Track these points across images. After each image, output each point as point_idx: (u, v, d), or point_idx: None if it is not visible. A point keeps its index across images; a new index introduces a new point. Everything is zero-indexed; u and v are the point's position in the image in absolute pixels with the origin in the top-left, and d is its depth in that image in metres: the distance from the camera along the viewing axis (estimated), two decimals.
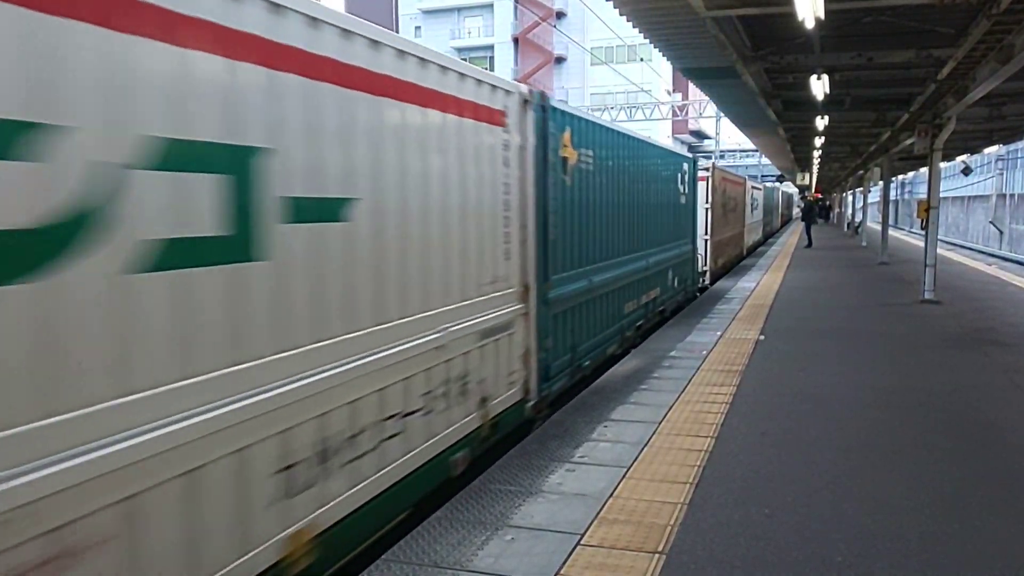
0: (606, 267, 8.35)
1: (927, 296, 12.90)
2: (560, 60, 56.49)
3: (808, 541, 3.86)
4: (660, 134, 47.39)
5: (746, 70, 10.38)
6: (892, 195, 46.64)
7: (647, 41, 10.57)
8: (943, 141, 13.01)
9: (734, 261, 20.36)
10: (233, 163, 3.09)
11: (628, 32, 14.17)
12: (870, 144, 21.98)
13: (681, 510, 4.22)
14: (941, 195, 17.34)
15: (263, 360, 3.25)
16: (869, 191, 33.14)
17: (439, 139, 4.71)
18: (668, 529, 3.98)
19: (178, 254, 2.83)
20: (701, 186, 14.81)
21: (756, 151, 45.28)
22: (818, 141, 20.16)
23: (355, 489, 3.87)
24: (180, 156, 2.83)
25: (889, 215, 23.04)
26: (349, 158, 3.81)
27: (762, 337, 9.52)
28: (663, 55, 11.54)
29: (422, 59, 4.45)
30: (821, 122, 15.17)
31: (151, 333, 2.74)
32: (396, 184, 4.24)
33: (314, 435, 3.56)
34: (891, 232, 26.34)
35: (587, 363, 7.83)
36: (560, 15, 55.06)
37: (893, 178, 37.95)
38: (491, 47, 56.79)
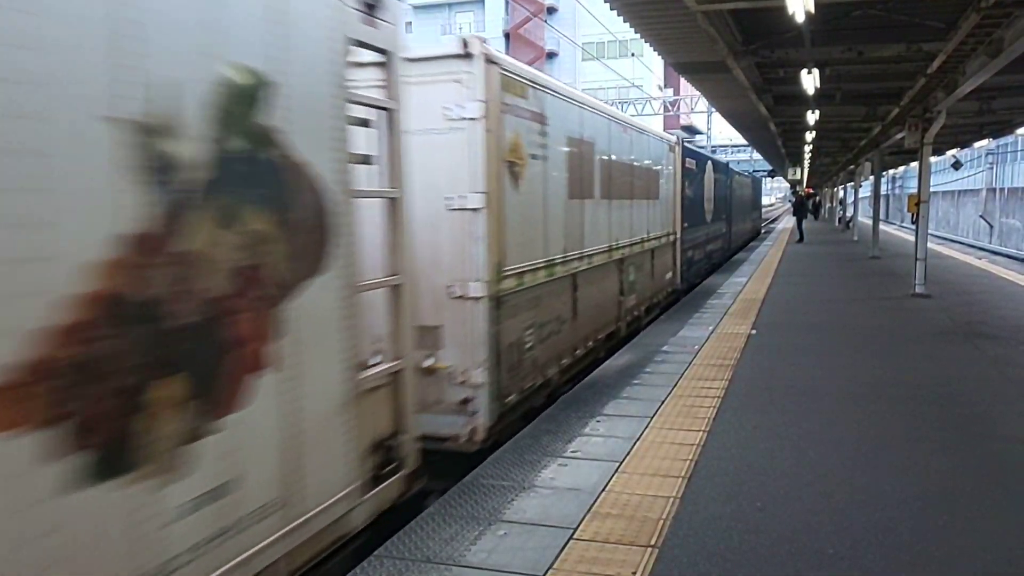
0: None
1: (918, 290, 12.96)
2: (552, 55, 56.40)
3: (799, 534, 3.88)
4: None
5: (737, 64, 10.39)
6: (883, 190, 46.87)
7: (638, 36, 10.56)
8: (933, 135, 13.04)
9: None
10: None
11: (619, 27, 14.16)
12: (861, 138, 22.04)
13: (674, 504, 4.23)
14: (931, 189, 17.42)
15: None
16: (860, 186, 33.25)
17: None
18: (661, 523, 3.98)
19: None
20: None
21: (748, 146, 45.37)
22: (809, 136, 20.17)
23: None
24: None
25: (880, 210, 23.10)
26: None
27: (754, 332, 9.54)
28: (654, 50, 11.53)
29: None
30: (812, 117, 15.18)
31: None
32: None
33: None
34: (882, 226, 26.44)
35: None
36: (551, 10, 54.96)
37: (884, 172, 38.08)
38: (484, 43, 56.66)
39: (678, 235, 13.52)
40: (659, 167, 12.05)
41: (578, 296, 7.71)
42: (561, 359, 7.25)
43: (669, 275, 13.03)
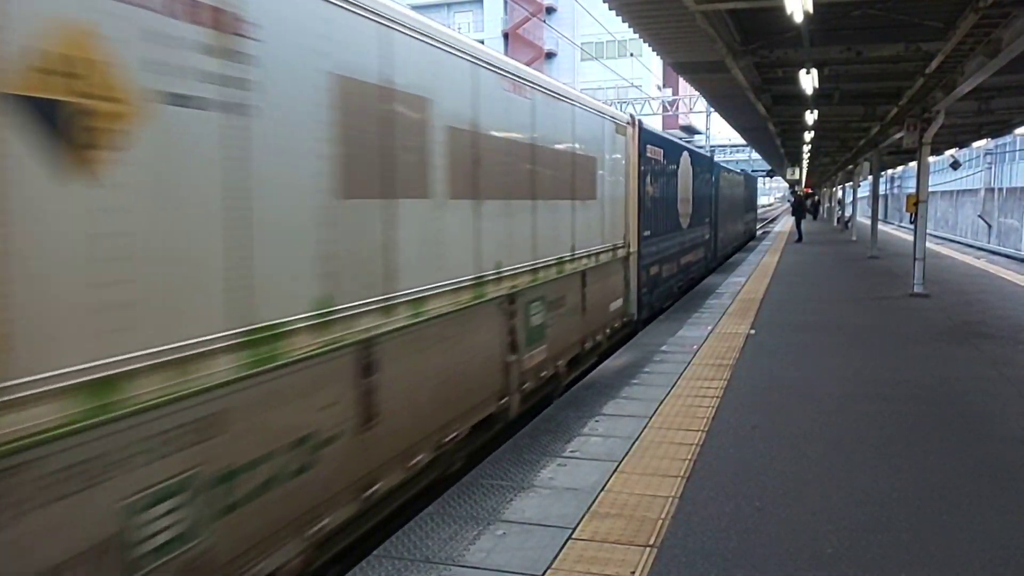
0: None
1: (917, 290, 12.97)
2: (551, 55, 56.45)
3: (798, 533, 3.87)
4: None
5: (736, 64, 10.38)
6: (882, 189, 46.88)
7: (637, 36, 10.56)
8: (932, 135, 13.06)
9: None
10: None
11: (618, 27, 14.17)
12: (859, 138, 22.04)
13: (672, 504, 4.23)
14: (930, 189, 17.43)
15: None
16: (859, 185, 33.28)
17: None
18: (659, 523, 3.98)
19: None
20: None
21: (747, 146, 45.41)
22: (808, 136, 20.19)
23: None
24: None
25: (879, 209, 23.11)
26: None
27: (753, 331, 9.54)
28: (653, 50, 11.53)
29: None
30: (810, 116, 15.19)
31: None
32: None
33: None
34: (881, 226, 26.46)
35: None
36: (550, 10, 55.03)
37: (882, 172, 38.10)
38: (481, 42, 56.68)
39: (635, 248, 10.16)
40: (598, 155, 8.50)
41: (380, 382, 4.13)
42: (310, 525, 3.66)
43: (618, 304, 9.50)
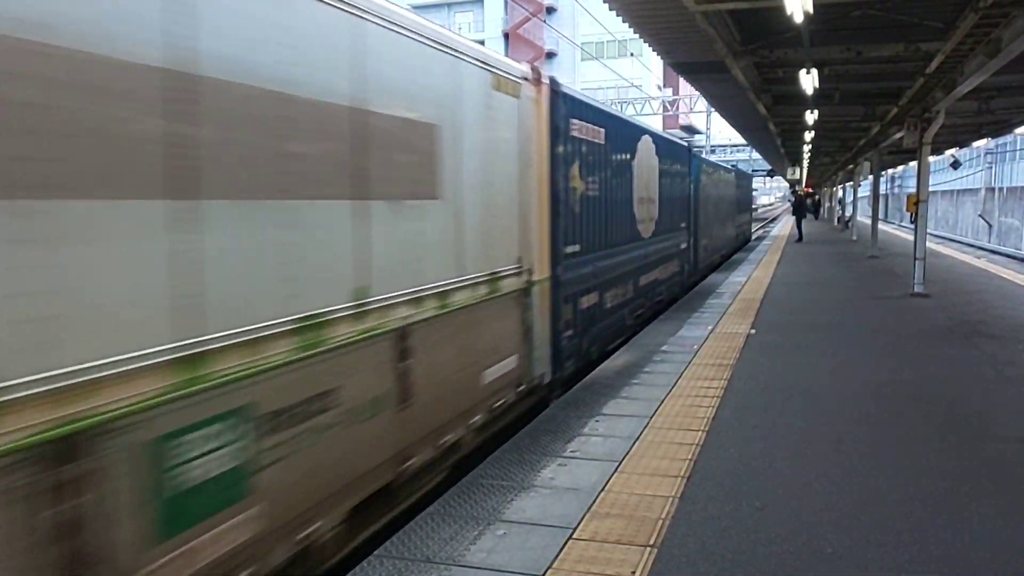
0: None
1: (917, 289, 12.98)
2: (551, 55, 56.47)
3: (799, 533, 3.88)
4: None
5: (736, 65, 10.39)
6: (882, 189, 46.87)
7: (637, 36, 10.57)
8: (932, 135, 13.06)
9: None
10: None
11: (618, 27, 14.19)
12: (860, 138, 22.04)
13: (673, 504, 4.23)
14: (930, 189, 17.45)
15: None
16: (859, 185, 33.29)
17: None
18: (660, 523, 3.99)
19: None
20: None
21: (748, 146, 45.41)
22: (808, 136, 20.18)
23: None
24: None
25: (879, 209, 23.10)
26: None
27: (753, 331, 9.55)
28: (653, 50, 11.53)
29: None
30: (811, 116, 15.19)
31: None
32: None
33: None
34: (881, 226, 26.47)
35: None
36: (550, 10, 55.06)
37: (883, 172, 38.09)
38: (482, 42, 56.67)
39: (545, 273, 7.00)
40: (443, 121, 4.99)
41: None
42: None
43: (506, 366, 6.16)
